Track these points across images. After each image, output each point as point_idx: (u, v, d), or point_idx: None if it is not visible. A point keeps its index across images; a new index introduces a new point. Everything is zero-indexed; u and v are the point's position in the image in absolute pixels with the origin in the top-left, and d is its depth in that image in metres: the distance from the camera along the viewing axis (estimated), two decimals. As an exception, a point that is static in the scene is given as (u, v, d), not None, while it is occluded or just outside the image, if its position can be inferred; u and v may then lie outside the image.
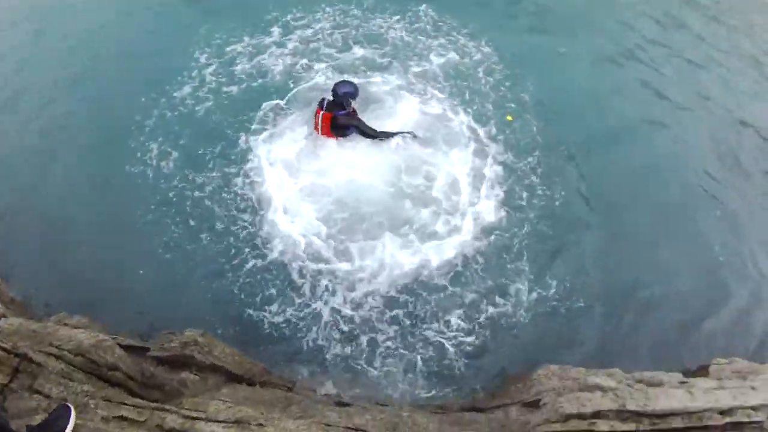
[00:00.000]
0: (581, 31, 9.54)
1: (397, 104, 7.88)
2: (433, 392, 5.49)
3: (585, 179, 7.24)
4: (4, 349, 3.82)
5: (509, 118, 7.87)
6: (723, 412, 4.26)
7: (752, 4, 10.66)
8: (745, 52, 9.58)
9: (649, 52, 9.29)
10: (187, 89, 7.94)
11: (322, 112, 6.94)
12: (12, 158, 7.25)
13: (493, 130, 7.70)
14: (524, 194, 7.04)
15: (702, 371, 5.52)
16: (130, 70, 8.31)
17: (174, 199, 6.73)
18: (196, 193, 6.79)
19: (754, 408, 4.34)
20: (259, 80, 8.17)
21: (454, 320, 5.94)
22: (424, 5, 9.54)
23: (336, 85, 6.93)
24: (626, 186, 7.30)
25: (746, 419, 4.28)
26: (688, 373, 5.54)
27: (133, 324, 5.66)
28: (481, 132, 7.67)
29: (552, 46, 9.10)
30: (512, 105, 8.06)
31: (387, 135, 7.20)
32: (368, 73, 8.40)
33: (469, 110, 7.93)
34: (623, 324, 6.07)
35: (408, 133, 7.31)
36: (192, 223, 6.52)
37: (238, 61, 8.43)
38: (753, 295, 6.43)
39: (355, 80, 7.66)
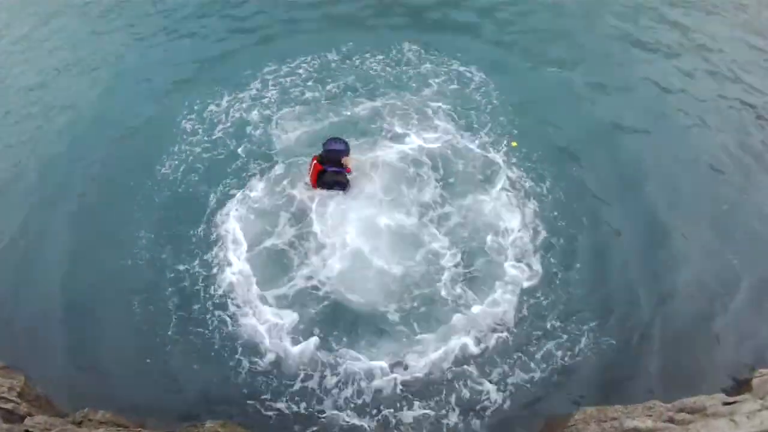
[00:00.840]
0: (571, 50, 9.90)
1: (398, 137, 8.24)
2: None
3: (598, 207, 7.51)
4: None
5: (514, 144, 8.17)
6: (769, 434, 4.22)
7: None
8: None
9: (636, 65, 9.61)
10: (172, 164, 8.16)
11: (315, 162, 7.16)
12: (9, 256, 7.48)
13: (504, 158, 8.02)
14: (545, 232, 7.24)
15: (745, 386, 5.54)
16: (117, 153, 8.56)
17: (169, 289, 6.86)
18: (186, 284, 6.91)
19: (800, 427, 4.30)
20: (242, 141, 8.39)
21: (486, 385, 6.02)
22: (406, 43, 9.78)
23: (325, 143, 7.11)
24: (641, 207, 7.52)
25: (792, 440, 4.25)
26: (731, 391, 5.58)
27: (154, 414, 5.83)
28: (491, 164, 7.96)
29: (545, 69, 9.49)
30: (515, 131, 8.36)
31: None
32: (358, 107, 8.69)
33: (476, 138, 8.26)
34: (657, 353, 6.14)
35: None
36: (193, 315, 6.66)
37: (219, 124, 8.69)
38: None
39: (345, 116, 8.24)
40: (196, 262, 7.07)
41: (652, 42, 9.99)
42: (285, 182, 7.74)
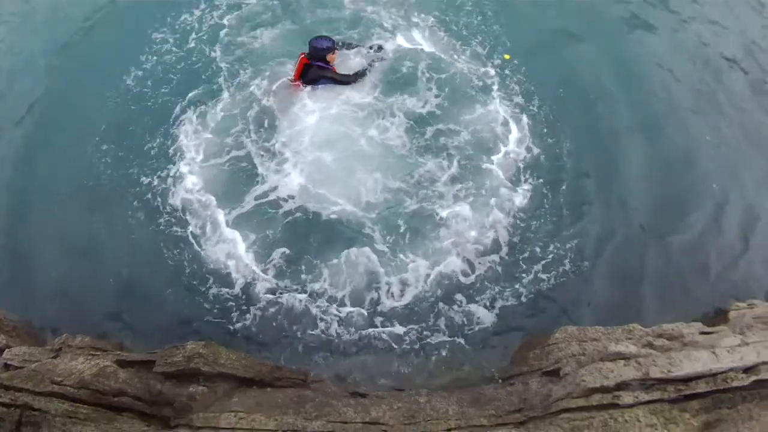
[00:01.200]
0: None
1: (385, 46, 7.90)
2: (450, 368, 5.62)
3: (587, 125, 7.41)
4: (4, 404, 3.92)
5: (507, 57, 7.95)
6: (747, 370, 4.34)
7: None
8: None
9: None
10: (137, 75, 7.79)
11: (302, 57, 7.13)
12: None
13: (494, 73, 7.78)
14: (535, 150, 7.12)
15: (722, 317, 5.69)
16: (78, 65, 8.19)
17: (134, 203, 6.70)
18: (149, 199, 6.72)
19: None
20: (216, 49, 8.02)
21: (467, 299, 6.06)
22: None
23: (311, 40, 7.03)
24: (624, 131, 7.42)
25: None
26: (708, 320, 5.72)
27: (130, 338, 5.85)
28: (484, 76, 7.74)
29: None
30: (507, 43, 8.12)
31: (361, 74, 7.40)
32: (342, 8, 8.47)
33: (466, 49, 8.00)
34: (636, 276, 6.25)
35: (377, 54, 7.59)
36: (158, 233, 6.50)
37: (192, 33, 8.24)
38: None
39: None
40: (156, 177, 6.83)
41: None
42: (259, 89, 7.48)
